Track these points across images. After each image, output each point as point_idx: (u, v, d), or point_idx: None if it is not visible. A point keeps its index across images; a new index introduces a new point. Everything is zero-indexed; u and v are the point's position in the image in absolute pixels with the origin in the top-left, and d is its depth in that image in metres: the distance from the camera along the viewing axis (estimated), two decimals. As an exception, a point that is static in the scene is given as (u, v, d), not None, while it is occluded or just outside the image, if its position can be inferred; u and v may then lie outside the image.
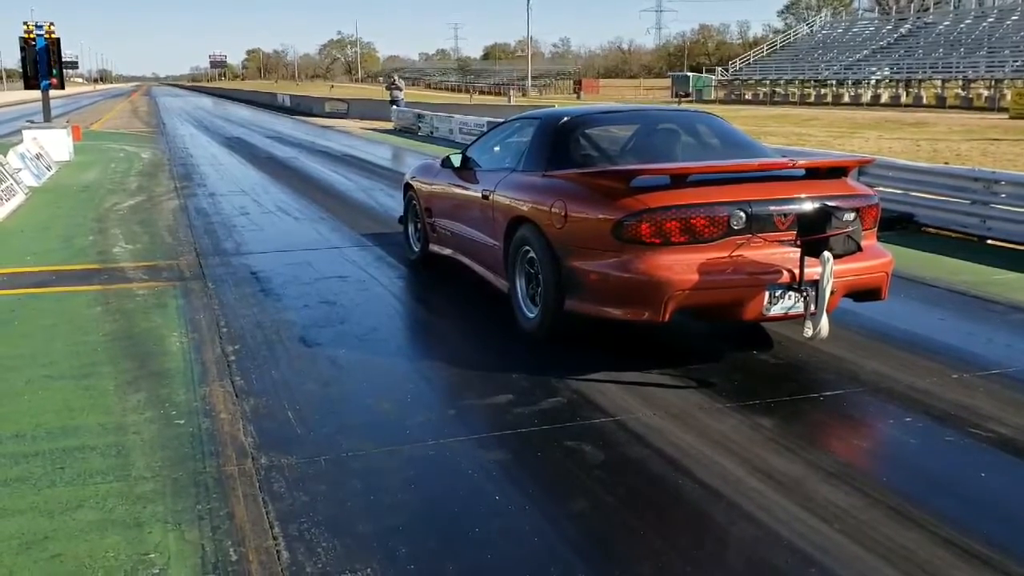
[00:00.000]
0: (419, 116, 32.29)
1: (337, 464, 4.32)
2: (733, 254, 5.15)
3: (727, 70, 70.40)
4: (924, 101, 49.98)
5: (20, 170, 15.23)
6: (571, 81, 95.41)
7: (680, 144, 6.31)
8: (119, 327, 6.69)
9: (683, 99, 54.44)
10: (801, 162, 5.41)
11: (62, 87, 22.76)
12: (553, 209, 5.54)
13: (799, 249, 5.04)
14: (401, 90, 36.93)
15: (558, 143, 6.14)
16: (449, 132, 28.70)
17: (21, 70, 23.18)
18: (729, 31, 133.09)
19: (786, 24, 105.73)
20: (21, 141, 19.85)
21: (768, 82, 62.49)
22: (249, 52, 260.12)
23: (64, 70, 22.28)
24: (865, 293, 5.63)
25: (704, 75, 69.44)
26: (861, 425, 4.93)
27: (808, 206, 5.14)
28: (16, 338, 6.42)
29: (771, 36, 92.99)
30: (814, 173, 5.48)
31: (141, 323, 6.81)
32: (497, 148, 7.10)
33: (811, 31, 73.18)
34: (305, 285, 8.12)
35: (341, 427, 4.78)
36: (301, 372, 5.66)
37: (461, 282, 7.74)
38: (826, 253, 4.95)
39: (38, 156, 17.79)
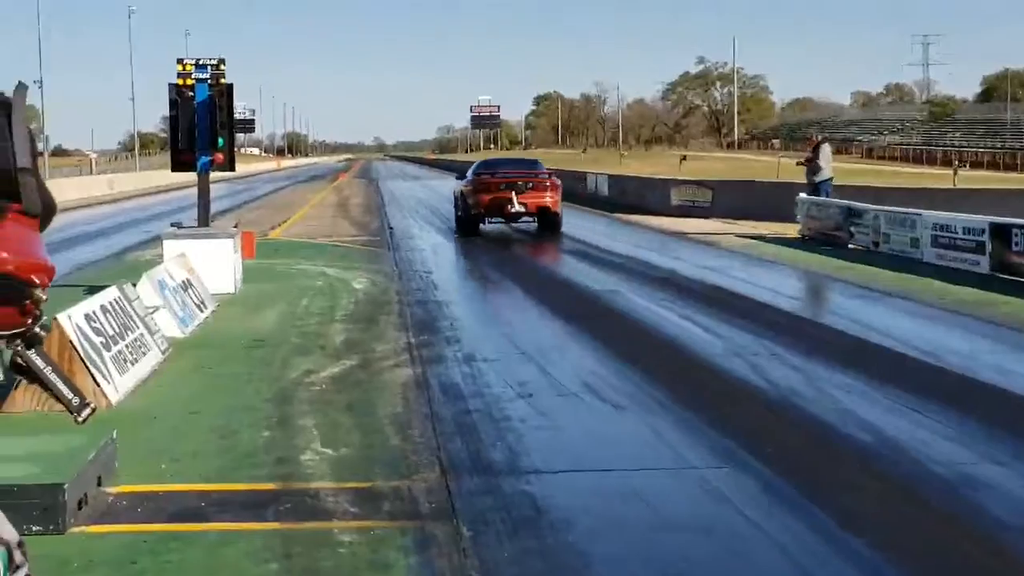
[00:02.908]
0: (850, 213, 23.27)
1: None
2: (497, 195, 26.25)
3: None
4: None
5: (157, 309, 12.38)
6: None
7: (513, 167, 29.28)
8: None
9: None
10: (531, 178, 28.39)
11: (231, 167, 16.65)
12: (465, 188, 28.01)
13: (513, 193, 27.34)
14: (824, 165, 25.47)
15: (475, 169, 29.38)
16: (913, 246, 20.31)
17: (169, 138, 18.40)
18: None
19: None
20: (160, 258, 15.93)
21: None
22: (540, 100, 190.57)
23: (239, 133, 18.89)
24: (544, 210, 26.44)
25: None
26: None
27: (518, 183, 26.79)
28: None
29: None
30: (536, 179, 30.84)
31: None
32: (468, 171, 30.26)
33: None
34: (637, 543, 5.93)
35: None
36: None
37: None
38: (514, 194, 27.08)
39: (186, 285, 14.13)
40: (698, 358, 11.51)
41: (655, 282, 17.86)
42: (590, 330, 13.29)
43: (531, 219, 26.50)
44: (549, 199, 25.90)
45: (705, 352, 11.84)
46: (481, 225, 26.30)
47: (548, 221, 26.39)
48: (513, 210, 25.10)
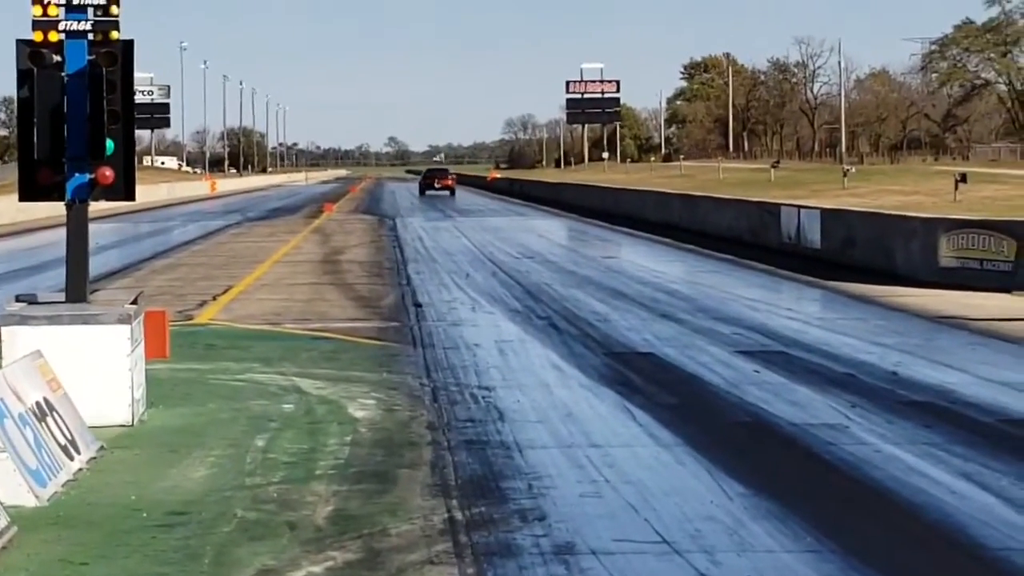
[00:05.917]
0: None
1: None
2: (429, 181, 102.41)
3: None
4: None
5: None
6: None
7: (436, 173, 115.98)
8: None
9: None
10: (442, 175, 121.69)
11: (128, 192, 11.00)
12: (420, 180, 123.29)
13: (435, 180, 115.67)
14: None
15: (423, 174, 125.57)
16: None
17: (15, 140, 13.10)
18: None
19: None
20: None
21: None
22: (694, 71, 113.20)
23: (142, 130, 11.65)
24: (446, 186, 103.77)
25: None
26: None
27: (436, 178, 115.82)
28: None
29: None
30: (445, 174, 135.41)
31: None
32: (421, 176, 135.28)
33: None
34: None
35: None
36: None
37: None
38: (435, 181, 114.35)
39: (42, 411, 9.75)
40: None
41: (910, 410, 12.17)
42: (788, 497, 8.75)
43: (445, 192, 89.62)
44: (450, 182, 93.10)
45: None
46: (426, 191, 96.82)
47: (449, 191, 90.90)
48: (435, 186, 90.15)
